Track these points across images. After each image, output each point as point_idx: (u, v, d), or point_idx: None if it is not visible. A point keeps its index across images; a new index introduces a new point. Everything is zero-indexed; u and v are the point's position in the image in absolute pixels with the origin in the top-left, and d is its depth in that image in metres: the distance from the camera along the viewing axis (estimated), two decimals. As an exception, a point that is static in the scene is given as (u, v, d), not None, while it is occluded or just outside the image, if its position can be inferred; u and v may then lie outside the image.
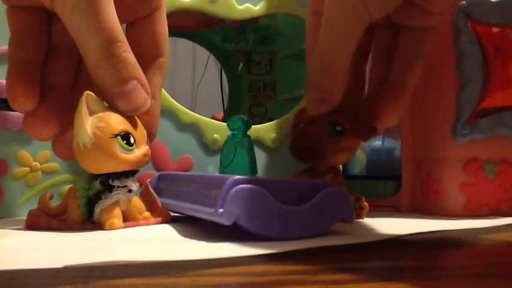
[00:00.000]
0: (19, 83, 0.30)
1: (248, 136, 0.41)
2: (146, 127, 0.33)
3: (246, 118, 0.41)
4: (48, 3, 0.29)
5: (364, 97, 0.39)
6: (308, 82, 0.36)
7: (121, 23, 0.30)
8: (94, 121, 0.30)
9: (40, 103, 0.31)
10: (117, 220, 0.31)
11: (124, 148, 0.30)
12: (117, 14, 0.30)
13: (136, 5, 0.33)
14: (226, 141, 0.41)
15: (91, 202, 0.31)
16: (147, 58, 0.34)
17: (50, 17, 0.32)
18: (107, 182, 0.31)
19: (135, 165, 0.32)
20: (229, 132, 0.41)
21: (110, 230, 0.31)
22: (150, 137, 0.34)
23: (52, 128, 0.31)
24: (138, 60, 0.31)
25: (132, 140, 0.31)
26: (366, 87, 0.39)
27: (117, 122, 0.30)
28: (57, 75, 0.32)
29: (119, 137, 0.30)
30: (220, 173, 0.41)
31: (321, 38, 0.33)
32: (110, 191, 0.31)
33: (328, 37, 0.33)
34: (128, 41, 0.30)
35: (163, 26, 0.35)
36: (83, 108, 0.30)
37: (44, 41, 0.32)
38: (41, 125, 0.31)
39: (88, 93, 0.30)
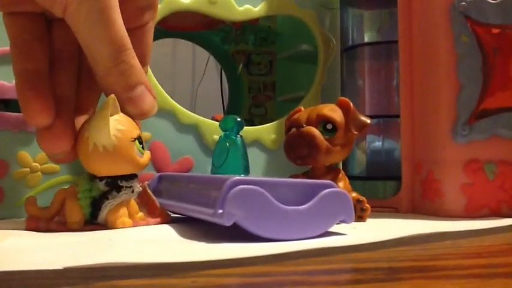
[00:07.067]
0: (34, 98, 0.29)
1: (240, 136, 0.41)
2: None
3: (238, 118, 0.40)
4: (59, 13, 0.29)
5: None
6: None
7: None
8: (114, 124, 0.30)
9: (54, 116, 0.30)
10: (127, 218, 0.32)
11: (140, 151, 0.31)
12: None
13: (137, 13, 0.33)
14: (218, 141, 0.41)
15: (96, 203, 0.31)
16: None
17: (49, 23, 0.32)
18: (115, 183, 0.31)
19: (144, 168, 0.32)
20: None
21: (122, 228, 0.31)
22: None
23: (68, 140, 0.31)
24: None
25: (143, 144, 0.32)
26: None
27: (133, 126, 0.31)
28: (63, 85, 0.32)
29: (136, 141, 0.31)
30: (212, 173, 0.41)
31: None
32: (118, 191, 0.31)
33: None
34: None
35: (151, 37, 0.35)
36: (108, 111, 0.30)
37: (47, 49, 0.31)
38: (57, 138, 0.30)
39: (113, 97, 0.30)
